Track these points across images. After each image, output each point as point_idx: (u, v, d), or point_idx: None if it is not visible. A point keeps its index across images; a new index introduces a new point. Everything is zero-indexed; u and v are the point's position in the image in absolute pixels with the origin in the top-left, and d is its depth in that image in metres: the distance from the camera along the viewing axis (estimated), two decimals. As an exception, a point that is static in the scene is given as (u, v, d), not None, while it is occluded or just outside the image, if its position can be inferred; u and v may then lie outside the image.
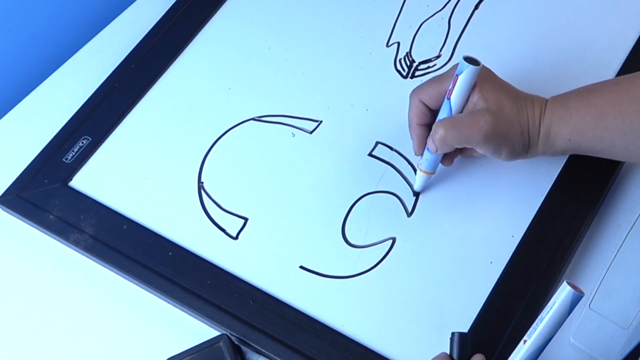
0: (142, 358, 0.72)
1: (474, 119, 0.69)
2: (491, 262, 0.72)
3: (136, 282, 0.74)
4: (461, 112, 0.70)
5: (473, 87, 0.69)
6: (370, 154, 0.79)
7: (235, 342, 0.71)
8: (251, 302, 0.72)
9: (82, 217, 0.77)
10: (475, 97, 0.69)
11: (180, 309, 0.73)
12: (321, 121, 0.82)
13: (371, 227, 0.75)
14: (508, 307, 0.69)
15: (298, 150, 0.80)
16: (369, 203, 0.77)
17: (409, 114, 0.74)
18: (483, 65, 0.69)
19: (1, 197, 0.80)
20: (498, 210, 0.75)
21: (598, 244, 0.74)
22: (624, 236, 0.73)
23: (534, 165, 0.77)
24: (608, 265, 0.72)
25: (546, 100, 0.70)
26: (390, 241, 0.74)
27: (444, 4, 0.89)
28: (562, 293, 0.58)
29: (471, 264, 0.72)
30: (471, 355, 0.64)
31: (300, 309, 0.71)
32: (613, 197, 0.76)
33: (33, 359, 0.73)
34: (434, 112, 0.72)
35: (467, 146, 0.70)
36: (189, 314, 0.73)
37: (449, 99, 0.70)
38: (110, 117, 0.84)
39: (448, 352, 0.65)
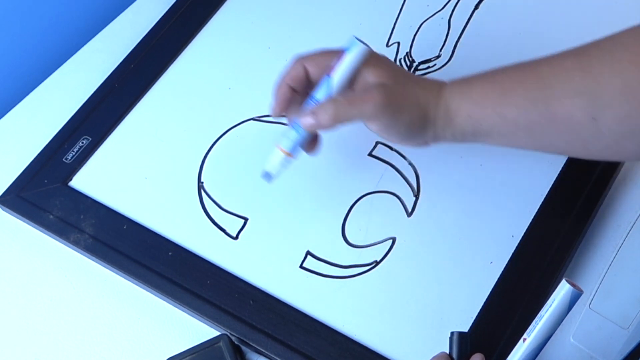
0: (142, 358, 0.72)
1: (368, 92, 0.65)
2: (491, 262, 0.72)
3: (136, 282, 0.74)
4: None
5: (368, 68, 0.66)
6: (370, 154, 0.79)
7: (235, 342, 0.71)
8: (251, 302, 0.72)
9: (82, 217, 0.77)
10: (369, 76, 0.66)
11: (180, 309, 0.73)
12: (321, 121, 0.82)
13: (371, 227, 0.75)
14: (508, 307, 0.69)
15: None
16: (369, 203, 0.77)
17: (283, 71, 0.69)
18: (380, 54, 0.68)
19: (1, 197, 0.80)
20: (498, 210, 0.75)
21: (598, 244, 0.74)
22: (624, 236, 0.73)
23: (534, 165, 0.77)
24: (608, 265, 0.72)
25: (448, 81, 0.69)
26: (390, 241, 0.74)
27: (444, 4, 0.89)
28: (561, 291, 0.58)
29: (471, 264, 0.72)
30: (471, 355, 0.64)
31: (300, 309, 0.71)
32: (613, 197, 0.76)
33: (33, 359, 0.73)
34: (309, 84, 0.68)
35: (360, 121, 0.66)
36: (189, 314, 0.73)
37: (329, 75, 0.66)
38: (110, 117, 0.84)
39: (447, 351, 0.65)
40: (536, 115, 0.64)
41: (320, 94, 0.67)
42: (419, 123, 0.67)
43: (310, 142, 0.71)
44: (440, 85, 0.68)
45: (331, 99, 0.66)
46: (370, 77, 0.67)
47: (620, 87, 0.60)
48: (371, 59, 0.67)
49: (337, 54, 0.67)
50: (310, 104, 0.67)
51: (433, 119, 0.67)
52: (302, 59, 0.69)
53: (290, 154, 0.68)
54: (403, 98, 0.66)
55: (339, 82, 0.66)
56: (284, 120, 0.82)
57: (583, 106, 0.62)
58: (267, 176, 0.70)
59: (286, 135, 0.68)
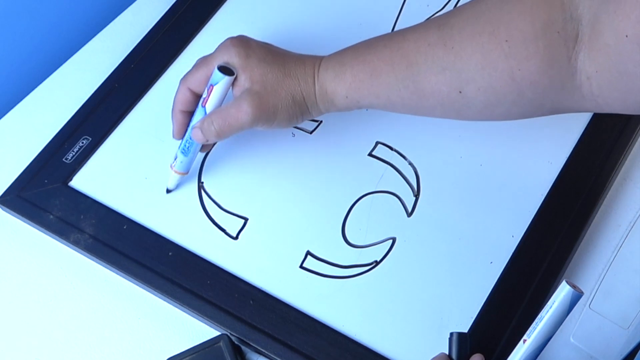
0: (142, 358, 0.72)
1: (238, 107, 0.70)
2: (491, 262, 0.72)
3: (136, 282, 0.74)
4: None
5: (239, 75, 0.70)
6: (370, 154, 0.79)
7: (235, 342, 0.71)
8: (251, 302, 0.72)
9: (82, 217, 0.77)
10: (241, 79, 0.70)
11: (180, 309, 0.73)
12: (321, 121, 0.82)
13: (371, 227, 0.75)
14: (508, 307, 0.70)
15: (298, 150, 0.80)
16: (369, 203, 0.77)
17: (174, 100, 0.75)
18: (244, 37, 0.71)
19: (1, 197, 0.80)
20: (498, 210, 0.75)
21: (598, 244, 0.74)
22: (624, 236, 0.73)
23: (534, 165, 0.77)
24: (608, 265, 0.72)
25: (320, 59, 0.71)
26: (390, 241, 0.74)
27: (444, 4, 0.89)
28: (562, 292, 0.58)
29: (471, 264, 0.72)
30: (470, 355, 0.64)
31: (300, 309, 0.71)
32: (613, 197, 0.76)
33: (33, 359, 0.73)
34: (198, 98, 0.74)
35: (241, 131, 0.72)
36: (189, 314, 0.73)
37: (204, 106, 0.72)
38: (110, 117, 0.84)
39: (447, 352, 0.65)
40: (406, 92, 0.67)
41: (196, 120, 0.74)
42: (298, 114, 0.72)
43: (205, 146, 0.77)
44: (313, 66, 0.71)
45: (211, 117, 0.72)
46: (242, 82, 0.71)
47: (480, 61, 0.63)
48: (240, 67, 0.70)
49: (211, 62, 0.72)
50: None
51: (313, 103, 0.71)
52: (184, 82, 0.74)
53: (184, 172, 0.77)
54: (275, 99, 0.70)
55: (213, 109, 0.73)
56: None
57: (448, 81, 0.65)
58: (168, 191, 0.79)
59: (180, 159, 0.76)
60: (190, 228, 0.77)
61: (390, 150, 0.79)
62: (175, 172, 0.77)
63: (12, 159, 0.83)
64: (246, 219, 0.77)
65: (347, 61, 0.70)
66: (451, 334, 0.65)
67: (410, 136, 0.80)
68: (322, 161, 0.79)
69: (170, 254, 0.75)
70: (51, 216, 0.78)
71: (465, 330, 0.69)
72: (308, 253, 0.74)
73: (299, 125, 0.81)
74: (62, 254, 0.77)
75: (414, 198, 0.77)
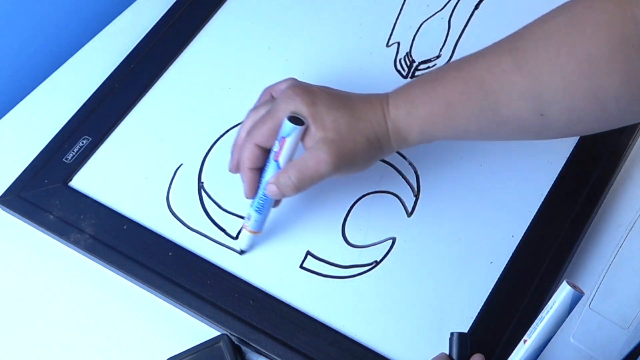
0: (142, 358, 0.72)
1: (316, 157, 0.66)
2: (491, 262, 0.72)
3: (136, 282, 0.74)
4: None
5: (310, 126, 0.67)
6: (370, 154, 0.79)
7: (235, 342, 0.71)
8: (251, 302, 0.72)
9: (82, 217, 0.77)
10: (312, 129, 0.67)
11: (180, 309, 0.73)
12: (321, 121, 0.82)
13: (371, 227, 0.75)
14: (508, 307, 0.70)
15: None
16: (369, 203, 0.77)
17: (241, 158, 0.70)
18: (310, 87, 0.68)
19: (1, 197, 0.80)
20: (498, 210, 0.75)
21: (598, 244, 0.74)
22: (624, 236, 0.73)
23: (534, 165, 0.77)
24: (608, 265, 0.72)
25: (387, 96, 0.68)
26: (390, 241, 0.74)
27: (444, 4, 0.89)
28: (562, 293, 0.58)
29: (471, 264, 0.72)
30: (471, 355, 0.64)
31: (300, 309, 0.71)
32: (613, 197, 0.76)
33: (33, 359, 0.73)
34: (267, 152, 0.70)
35: (320, 182, 0.68)
36: (189, 314, 0.73)
37: (276, 160, 0.68)
38: (110, 117, 0.84)
39: (447, 352, 0.65)
40: (485, 121, 0.65)
41: (269, 175, 0.69)
42: (374, 156, 0.69)
43: (276, 201, 0.73)
44: (382, 106, 0.68)
45: (287, 171, 0.68)
46: (314, 132, 0.67)
47: (561, 83, 0.61)
48: (310, 116, 0.67)
49: (277, 115, 0.68)
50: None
51: (386, 143, 0.68)
52: (251, 139, 0.69)
53: (259, 231, 0.73)
54: (352, 145, 0.67)
55: (286, 161, 0.69)
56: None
57: (529, 106, 0.63)
58: (242, 252, 0.75)
59: (254, 218, 0.72)
60: (190, 228, 0.77)
61: (390, 150, 0.79)
62: (250, 231, 0.73)
63: (12, 159, 0.83)
64: (246, 219, 0.77)
65: (418, 97, 0.67)
66: (451, 334, 0.65)
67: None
68: (322, 161, 0.79)
69: (170, 254, 0.75)
70: (51, 216, 0.78)
71: (465, 330, 0.69)
72: (308, 253, 0.74)
73: (299, 125, 0.81)
74: (62, 254, 0.77)
75: (414, 198, 0.77)
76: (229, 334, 0.71)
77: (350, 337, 0.70)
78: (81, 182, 0.80)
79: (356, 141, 0.67)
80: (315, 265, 0.74)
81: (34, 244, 0.78)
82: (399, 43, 0.86)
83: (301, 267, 0.74)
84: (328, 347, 0.69)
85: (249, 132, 0.70)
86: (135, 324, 0.74)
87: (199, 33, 0.89)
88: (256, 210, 0.71)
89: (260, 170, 0.70)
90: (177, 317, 0.74)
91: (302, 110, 0.67)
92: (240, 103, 0.84)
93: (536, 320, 0.59)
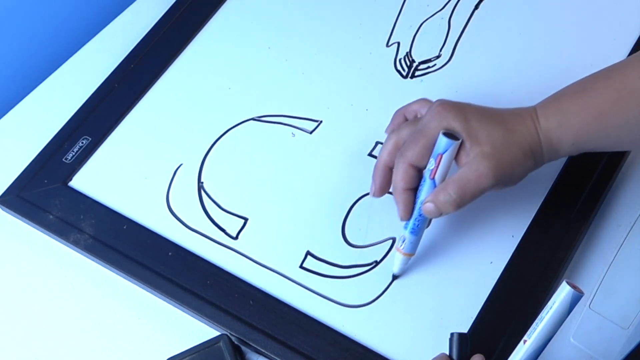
0: (142, 358, 0.72)
1: (476, 172, 0.65)
2: (491, 262, 0.72)
3: (136, 282, 0.74)
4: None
5: (464, 142, 0.66)
6: (370, 154, 0.79)
7: (235, 342, 0.71)
8: (251, 302, 0.72)
9: (82, 217, 0.77)
10: (466, 145, 0.66)
11: (180, 309, 0.73)
12: (321, 121, 0.82)
13: (371, 227, 0.75)
14: (508, 307, 0.69)
15: (298, 150, 0.80)
16: (369, 203, 0.77)
17: (395, 179, 0.68)
18: (459, 103, 0.67)
19: (1, 197, 0.80)
20: (498, 210, 0.75)
21: (598, 244, 0.74)
22: (624, 236, 0.73)
23: (534, 165, 0.77)
24: (608, 265, 0.72)
25: (534, 109, 0.68)
26: (390, 241, 0.74)
27: (444, 4, 0.89)
28: (562, 293, 0.58)
29: (471, 264, 0.72)
30: (471, 356, 0.64)
31: (300, 309, 0.71)
32: (613, 197, 0.76)
33: (33, 359, 0.73)
34: (420, 171, 0.68)
35: (478, 197, 0.67)
36: (189, 314, 0.73)
37: (432, 179, 0.67)
38: (110, 117, 0.84)
39: (447, 352, 0.65)
40: (638, 130, 0.65)
41: (425, 194, 0.68)
42: (528, 168, 0.68)
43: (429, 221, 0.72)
44: (532, 118, 0.67)
45: (447, 188, 0.66)
46: (469, 145, 0.66)
47: None
48: (464, 131, 0.66)
49: (427, 133, 0.66)
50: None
51: (539, 155, 0.67)
52: (404, 159, 0.68)
53: (412, 254, 0.71)
54: (509, 157, 0.66)
55: (440, 180, 0.67)
56: (283, 120, 0.82)
57: None
58: (395, 277, 0.73)
59: (408, 240, 0.70)
60: (190, 228, 0.77)
61: (390, 150, 0.79)
62: (404, 254, 0.70)
63: (12, 159, 0.83)
64: (246, 219, 0.77)
65: (568, 108, 0.66)
66: (451, 334, 0.65)
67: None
68: (322, 161, 0.79)
69: (170, 254, 0.75)
70: (51, 216, 0.78)
71: (465, 330, 0.69)
72: (308, 253, 0.74)
73: (298, 125, 0.82)
74: (62, 254, 0.77)
75: (414, 198, 0.76)
76: (229, 334, 0.71)
77: (350, 337, 0.70)
78: (81, 182, 0.80)
79: (512, 153, 0.66)
80: (315, 265, 0.74)
81: (34, 244, 0.78)
82: (399, 43, 0.86)
83: (301, 267, 0.74)
84: (328, 347, 0.69)
85: (402, 153, 0.68)
86: (135, 324, 0.74)
87: (199, 33, 0.89)
88: (411, 232, 0.69)
89: (414, 190, 0.68)
90: (177, 317, 0.74)
91: (455, 126, 0.66)
92: (240, 103, 0.84)
93: (536, 321, 0.59)
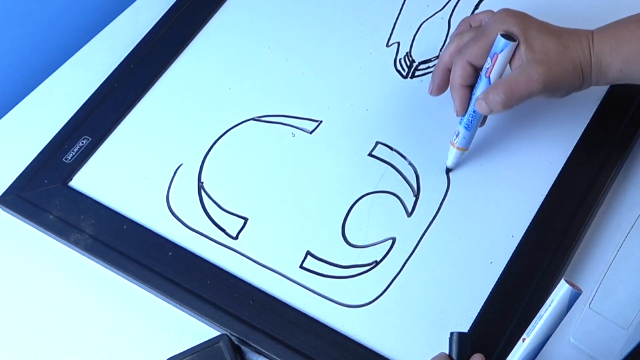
0: (142, 358, 0.72)
1: (528, 76, 0.69)
2: (491, 262, 0.72)
3: (136, 282, 0.74)
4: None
5: (519, 46, 0.69)
6: (370, 154, 0.79)
7: (235, 342, 0.71)
8: (251, 302, 0.72)
9: (82, 217, 0.77)
10: (521, 49, 0.69)
11: (180, 309, 0.73)
12: (321, 121, 0.82)
13: (371, 227, 0.75)
14: (508, 307, 0.69)
15: (298, 150, 0.80)
16: (369, 203, 0.77)
17: (453, 75, 0.72)
18: (522, 12, 0.71)
19: (1, 197, 0.80)
20: (498, 210, 0.75)
21: (598, 244, 0.74)
22: (624, 236, 0.73)
23: (534, 165, 0.77)
24: (608, 265, 0.72)
25: (592, 32, 0.71)
26: (390, 241, 0.74)
27: (444, 4, 0.89)
28: (560, 291, 0.58)
29: (471, 264, 0.72)
30: (470, 355, 0.64)
31: (300, 309, 0.71)
32: (613, 197, 0.76)
33: (33, 359, 0.73)
34: (477, 71, 0.72)
35: (526, 100, 0.70)
36: (189, 314, 0.73)
37: (488, 77, 0.70)
38: (110, 117, 0.84)
39: (447, 352, 0.65)
40: None
41: (480, 92, 0.72)
42: (576, 84, 0.71)
43: (483, 119, 0.76)
44: (587, 38, 0.70)
45: (497, 88, 0.70)
46: (523, 50, 0.69)
47: None
48: (522, 36, 0.69)
49: (488, 33, 0.70)
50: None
51: (587, 75, 0.70)
52: (463, 56, 0.72)
53: (466, 148, 0.76)
54: (560, 69, 0.69)
55: (495, 79, 0.71)
56: (283, 120, 0.82)
57: None
58: (448, 170, 0.78)
59: (462, 135, 0.74)
60: (190, 228, 0.77)
61: (390, 150, 0.79)
62: (458, 148, 0.75)
63: (12, 159, 0.83)
64: (246, 219, 0.77)
65: (624, 35, 0.70)
66: (451, 333, 0.65)
67: (410, 136, 0.80)
68: (322, 161, 0.79)
69: (170, 254, 0.75)
70: (51, 216, 0.78)
71: (465, 330, 0.69)
72: (308, 253, 0.74)
73: (298, 125, 0.82)
74: (62, 254, 0.77)
75: (414, 198, 0.77)
76: (229, 334, 0.71)
77: (350, 337, 0.70)
78: (81, 182, 0.80)
79: (563, 66, 0.69)
80: (315, 265, 0.74)
81: (34, 244, 0.78)
82: (399, 43, 0.86)
83: (301, 267, 0.74)
84: (328, 347, 0.69)
85: (461, 51, 0.72)
86: (135, 324, 0.74)
87: (199, 33, 0.89)
88: (465, 127, 0.74)
89: (470, 88, 0.73)
90: (177, 317, 0.74)
91: (515, 30, 0.69)
92: (240, 103, 0.84)
93: (535, 319, 0.59)
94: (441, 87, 0.75)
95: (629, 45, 0.69)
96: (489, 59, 0.70)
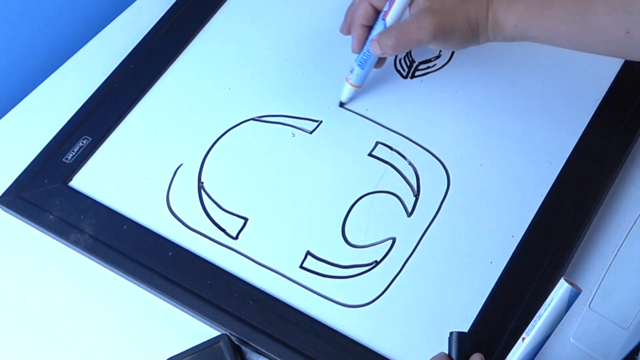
0: (142, 358, 0.72)
1: (419, 23, 0.72)
2: (491, 262, 0.72)
3: (136, 282, 0.74)
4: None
5: None
6: (370, 154, 0.79)
7: (235, 342, 0.71)
8: (251, 302, 0.72)
9: (82, 217, 0.77)
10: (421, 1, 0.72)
11: (180, 309, 0.73)
12: (321, 121, 0.82)
13: (371, 227, 0.75)
14: (508, 307, 0.69)
15: (298, 150, 0.80)
16: (369, 203, 0.77)
17: (354, 14, 0.77)
18: None
19: (1, 197, 0.80)
20: (498, 210, 0.75)
21: (598, 244, 0.74)
22: (624, 236, 0.73)
23: (534, 165, 0.77)
24: (608, 265, 0.72)
25: None
26: (390, 241, 0.74)
27: (444, 4, 0.88)
28: (560, 290, 0.58)
29: (471, 264, 0.72)
30: (470, 355, 0.64)
31: (300, 309, 0.71)
32: (613, 197, 0.76)
33: (33, 359, 0.73)
34: (378, 13, 0.76)
35: (417, 47, 0.74)
36: (189, 314, 0.73)
37: (384, 20, 0.74)
38: (110, 117, 0.84)
39: (447, 352, 0.65)
40: (575, 27, 0.70)
41: (374, 33, 0.76)
42: (470, 37, 0.73)
43: (379, 61, 0.80)
44: None
45: (390, 32, 0.74)
46: (422, 2, 0.72)
47: None
48: None
49: None
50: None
51: (484, 30, 0.73)
52: None
53: (359, 85, 0.80)
54: (453, 20, 0.72)
55: (393, 22, 0.74)
56: (283, 120, 0.82)
57: (617, 21, 0.68)
58: (341, 104, 0.82)
59: (356, 72, 0.79)
60: (190, 228, 0.77)
61: (390, 150, 0.79)
62: (351, 84, 0.79)
63: (12, 159, 0.83)
64: (246, 219, 0.77)
65: None
66: (451, 333, 0.65)
67: (410, 136, 0.80)
68: (322, 161, 0.79)
69: (170, 254, 0.75)
70: (51, 216, 0.78)
71: (465, 330, 0.69)
72: (308, 253, 0.74)
73: (298, 125, 0.82)
74: (62, 254, 0.77)
75: (414, 198, 0.77)
76: (229, 334, 0.71)
77: (350, 337, 0.70)
78: (81, 182, 0.80)
79: (457, 18, 0.72)
80: (315, 265, 0.74)
81: (34, 244, 0.78)
82: (399, 43, 0.86)
83: (301, 267, 0.74)
84: (328, 347, 0.69)
85: None
86: (135, 324, 0.74)
87: (199, 33, 0.89)
88: (359, 65, 0.78)
89: (369, 28, 0.77)
90: (177, 317, 0.74)
91: None
92: (240, 103, 0.84)
93: (534, 318, 0.59)
94: (348, 27, 0.79)
95: (523, 2, 0.71)
96: (387, 2, 0.74)
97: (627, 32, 0.67)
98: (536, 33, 0.72)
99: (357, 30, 0.77)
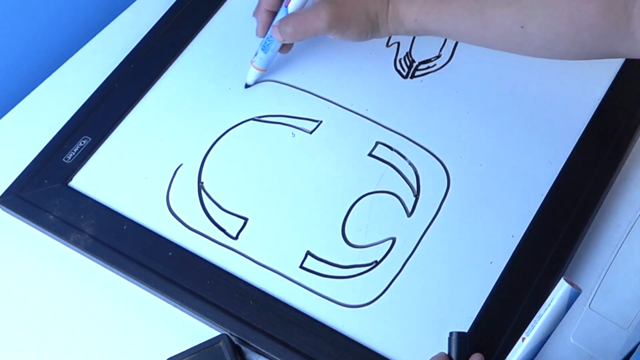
0: (142, 358, 0.72)
1: (316, 12, 0.74)
2: (491, 262, 0.72)
3: (136, 282, 0.74)
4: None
5: None
6: (370, 154, 0.79)
7: (235, 342, 0.71)
8: (251, 302, 0.72)
9: (82, 217, 0.77)
10: None
11: (180, 309, 0.73)
12: (321, 121, 0.82)
13: (371, 227, 0.75)
14: (508, 307, 0.70)
15: (298, 150, 0.80)
16: (369, 203, 0.77)
17: (261, 0, 0.79)
18: None
19: (1, 197, 0.80)
20: (498, 210, 0.75)
21: (598, 244, 0.74)
22: (624, 236, 0.73)
23: (533, 166, 0.77)
24: (608, 265, 0.72)
25: None
26: (390, 241, 0.74)
27: (444, 4, 0.89)
28: (560, 290, 0.58)
29: (471, 264, 0.72)
30: (470, 355, 0.64)
31: (300, 309, 0.71)
32: (613, 197, 0.76)
33: (33, 359, 0.73)
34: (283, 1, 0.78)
35: (315, 36, 0.76)
36: (189, 314, 0.73)
37: (286, 7, 0.77)
38: (110, 117, 0.84)
39: (447, 352, 0.65)
40: (472, 22, 0.72)
41: (276, 19, 0.79)
42: (369, 30, 0.75)
43: (284, 47, 0.82)
44: None
45: (289, 19, 0.76)
46: None
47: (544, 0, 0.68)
48: None
49: None
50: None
51: (384, 22, 0.75)
52: None
53: (263, 69, 0.83)
54: (351, 11, 0.74)
55: (294, 10, 0.77)
56: (283, 120, 0.82)
57: (512, 16, 0.70)
58: (247, 86, 0.84)
59: (259, 55, 0.82)
60: (190, 228, 0.77)
61: (390, 150, 0.79)
62: (255, 67, 0.82)
63: (12, 159, 0.83)
64: (246, 219, 0.77)
65: None
66: (451, 333, 0.65)
67: (410, 136, 0.80)
68: (322, 161, 0.79)
69: (170, 254, 0.75)
70: (51, 216, 0.78)
71: (465, 330, 0.69)
72: (308, 253, 0.74)
73: (298, 125, 0.82)
74: (62, 254, 0.77)
75: (414, 198, 0.77)
76: (229, 334, 0.71)
77: (350, 337, 0.70)
78: (81, 182, 0.80)
79: (355, 10, 0.74)
80: (315, 265, 0.74)
81: (34, 244, 0.78)
82: (399, 43, 0.86)
83: (301, 267, 0.74)
84: (328, 347, 0.69)
85: None
86: (135, 324, 0.74)
87: (199, 33, 0.89)
88: (262, 49, 0.81)
89: (273, 14, 0.79)
90: (177, 317, 0.74)
91: None
92: (240, 103, 0.84)
93: (534, 318, 0.59)
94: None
95: None
96: None
97: (522, 27, 0.70)
98: (436, 27, 0.74)
99: (261, 15, 0.80)
